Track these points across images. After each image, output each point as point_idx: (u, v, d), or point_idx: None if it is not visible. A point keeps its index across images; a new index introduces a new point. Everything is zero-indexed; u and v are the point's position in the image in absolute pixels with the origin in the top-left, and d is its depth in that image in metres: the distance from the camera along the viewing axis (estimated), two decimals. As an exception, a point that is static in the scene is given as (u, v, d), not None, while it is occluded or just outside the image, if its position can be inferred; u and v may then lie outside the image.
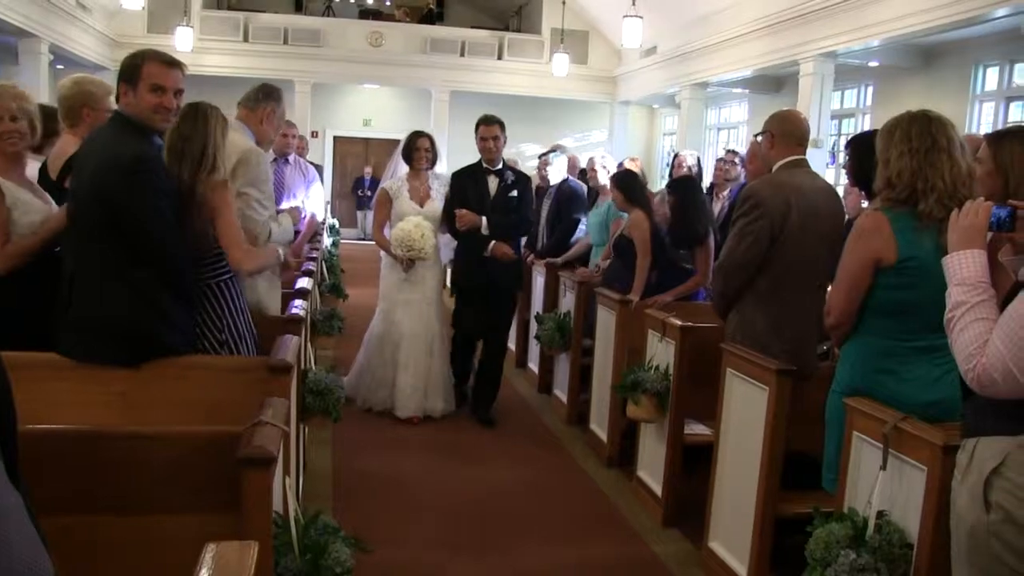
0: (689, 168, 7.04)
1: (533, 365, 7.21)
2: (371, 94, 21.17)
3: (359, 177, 21.12)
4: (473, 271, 5.95)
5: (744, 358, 3.63)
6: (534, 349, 7.08)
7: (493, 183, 5.90)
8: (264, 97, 4.24)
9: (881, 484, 2.66)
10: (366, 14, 20.87)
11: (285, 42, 18.37)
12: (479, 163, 5.97)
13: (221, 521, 2.15)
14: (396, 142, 23.29)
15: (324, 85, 19.32)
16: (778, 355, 3.58)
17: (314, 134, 18.98)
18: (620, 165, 7.14)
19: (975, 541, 2.10)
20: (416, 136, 6.02)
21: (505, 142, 5.95)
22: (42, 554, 1.03)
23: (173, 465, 2.25)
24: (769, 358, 3.52)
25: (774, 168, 3.94)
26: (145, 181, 3.02)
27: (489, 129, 5.87)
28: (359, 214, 21.06)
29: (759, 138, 4.09)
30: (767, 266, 3.75)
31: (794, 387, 3.44)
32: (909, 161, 2.88)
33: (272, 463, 2.06)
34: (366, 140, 21.46)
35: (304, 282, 4.85)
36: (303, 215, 5.59)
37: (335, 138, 21.31)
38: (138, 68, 3.09)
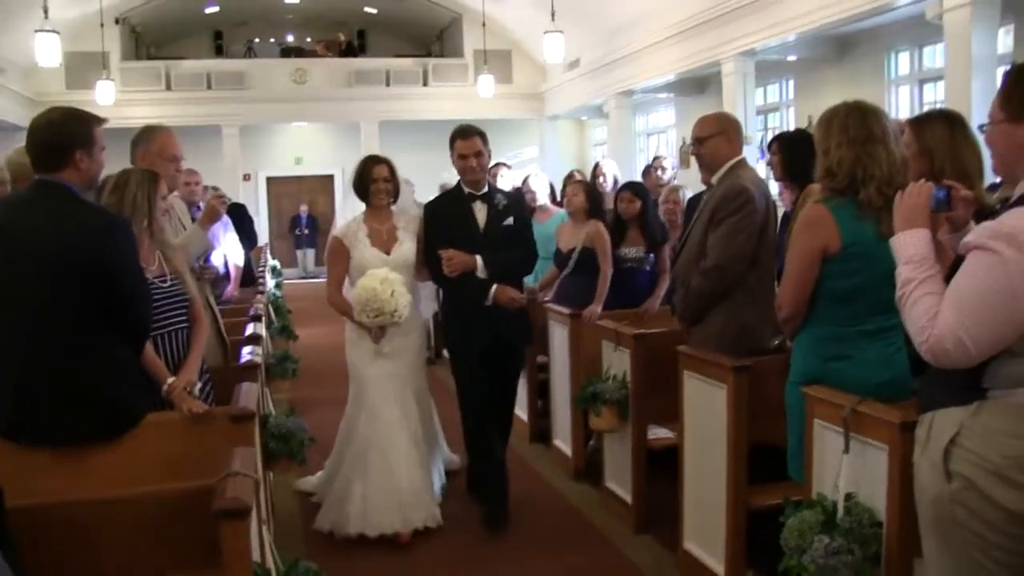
0: (615, 178, 7.15)
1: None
2: (300, 132, 21.14)
3: (295, 215, 21.03)
4: (474, 329, 4.60)
5: (700, 359, 3.69)
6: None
7: (481, 211, 4.61)
8: (134, 145, 4.14)
9: (846, 467, 2.72)
10: (288, 52, 20.84)
11: (209, 87, 18.27)
12: (458, 188, 4.70)
13: (202, 576, 2.14)
14: (329, 177, 23.29)
15: (252, 127, 19.23)
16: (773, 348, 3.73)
17: (246, 177, 18.89)
18: (569, 176, 7.27)
19: (939, 511, 2.17)
20: (370, 164, 4.69)
21: (490, 157, 4.73)
22: None
23: (149, 526, 2.23)
24: (728, 356, 3.58)
25: (728, 167, 3.92)
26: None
27: (469, 143, 4.56)
28: (298, 253, 20.99)
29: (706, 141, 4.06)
30: (755, 261, 3.83)
31: (753, 381, 3.51)
32: (848, 151, 2.97)
33: (248, 513, 2.05)
34: (299, 178, 21.39)
35: (254, 327, 4.82)
36: (215, 269, 4.86)
37: (268, 179, 21.21)
38: (91, 132, 3.04)
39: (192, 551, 2.25)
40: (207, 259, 4.54)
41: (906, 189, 2.38)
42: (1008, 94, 2.20)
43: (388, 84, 19.13)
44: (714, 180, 3.94)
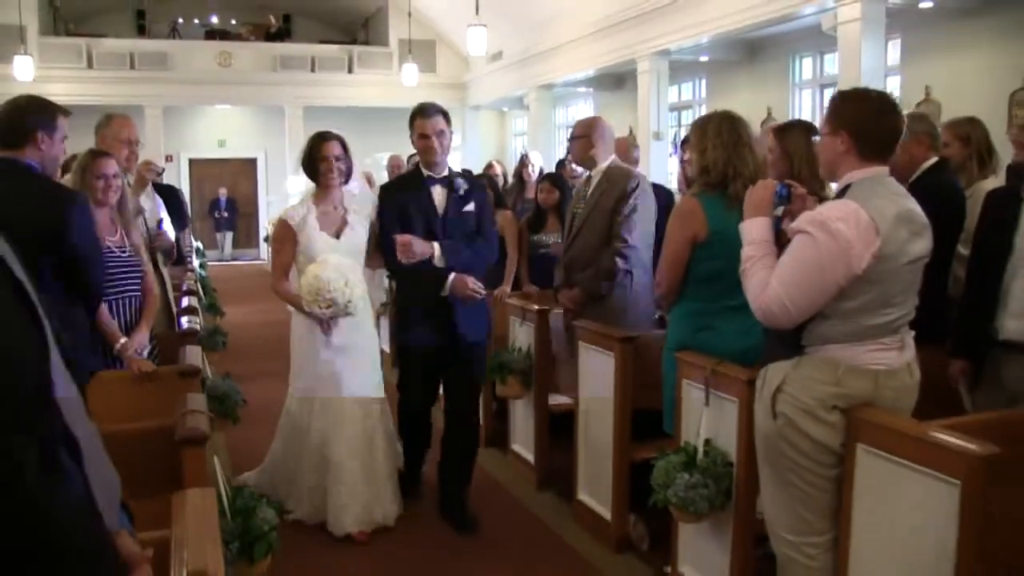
0: (541, 169, 7.64)
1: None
2: (224, 114, 21.14)
3: (215, 199, 21.05)
4: (428, 321, 4.29)
5: (592, 331, 4.20)
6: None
7: (440, 195, 4.28)
8: (96, 131, 4.51)
9: (706, 418, 3.27)
10: (212, 35, 20.80)
11: (132, 67, 18.19)
12: (416, 170, 4.44)
13: (163, 503, 2.53)
14: (253, 161, 23.13)
15: (175, 108, 19.21)
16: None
17: (168, 158, 18.85)
18: (489, 167, 7.74)
19: (768, 443, 2.73)
20: (320, 141, 4.30)
21: (451, 138, 4.35)
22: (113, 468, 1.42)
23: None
24: (613, 328, 4.11)
25: (609, 163, 4.66)
26: (83, 213, 3.35)
27: (430, 122, 4.21)
28: (217, 236, 20.98)
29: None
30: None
31: (638, 352, 4.03)
32: (721, 152, 3.49)
33: (206, 440, 2.48)
34: (222, 161, 21.41)
35: (189, 300, 5.19)
36: (167, 237, 5.04)
37: (191, 161, 21.17)
38: (55, 118, 3.39)
39: (153, 484, 2.62)
40: (159, 227, 4.86)
41: (755, 184, 2.92)
42: (829, 113, 2.76)
43: (313, 70, 19.32)
44: (594, 173, 4.64)
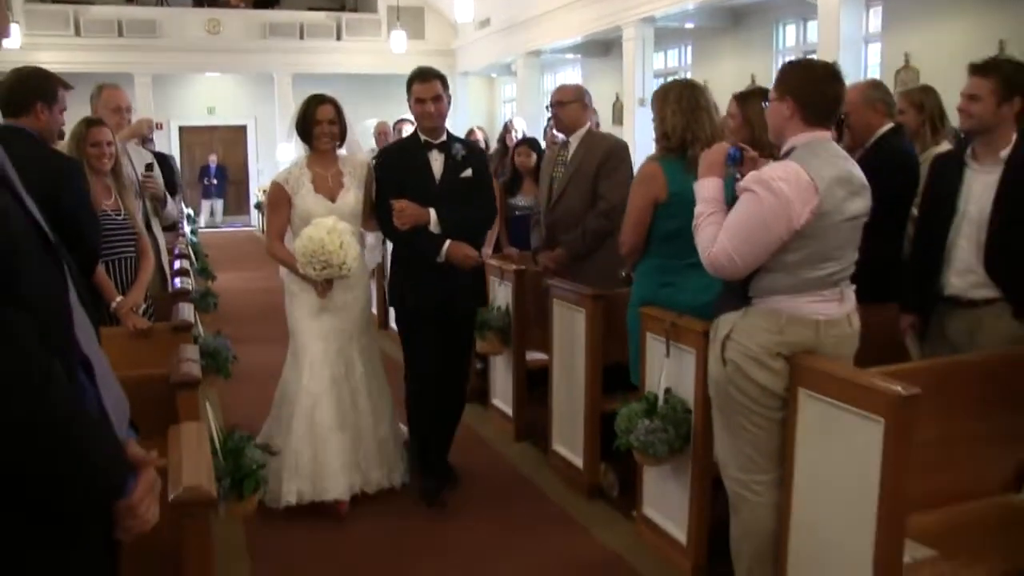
0: (524, 134, 7.82)
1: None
2: (213, 82, 21.21)
3: (204, 166, 21.15)
4: (424, 287, 4.27)
5: (565, 289, 4.42)
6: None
7: (437, 161, 4.26)
8: (91, 100, 4.69)
9: (666, 368, 3.49)
10: (200, 2, 20.79)
11: (120, 34, 18.24)
12: (414, 135, 4.39)
13: (160, 444, 2.75)
14: (242, 128, 23.03)
15: (164, 76, 19.26)
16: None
17: (158, 125, 18.89)
18: (470, 133, 7.91)
19: (719, 389, 2.96)
20: (315, 103, 4.28)
21: (450, 103, 4.35)
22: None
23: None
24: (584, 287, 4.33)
25: (587, 128, 4.90)
26: (79, 179, 3.54)
27: (427, 87, 4.21)
28: (205, 203, 21.10)
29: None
30: None
31: (609, 308, 4.24)
32: (680, 118, 3.69)
33: (198, 384, 2.69)
34: (212, 128, 21.51)
35: (181, 263, 5.39)
36: (157, 181, 5.01)
37: (180, 128, 21.25)
38: (55, 89, 3.56)
39: (149, 427, 2.82)
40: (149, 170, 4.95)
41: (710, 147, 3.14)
42: (777, 81, 2.97)
43: (302, 37, 19.40)
44: (572, 138, 4.81)
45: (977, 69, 3.32)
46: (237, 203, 21.78)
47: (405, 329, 4.54)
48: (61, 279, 1.47)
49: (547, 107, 5.17)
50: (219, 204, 21.27)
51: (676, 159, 3.67)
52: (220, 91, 21.37)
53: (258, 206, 19.13)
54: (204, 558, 1.91)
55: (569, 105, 4.85)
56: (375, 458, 4.34)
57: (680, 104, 3.70)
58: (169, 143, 20.10)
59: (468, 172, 4.30)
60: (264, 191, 18.69)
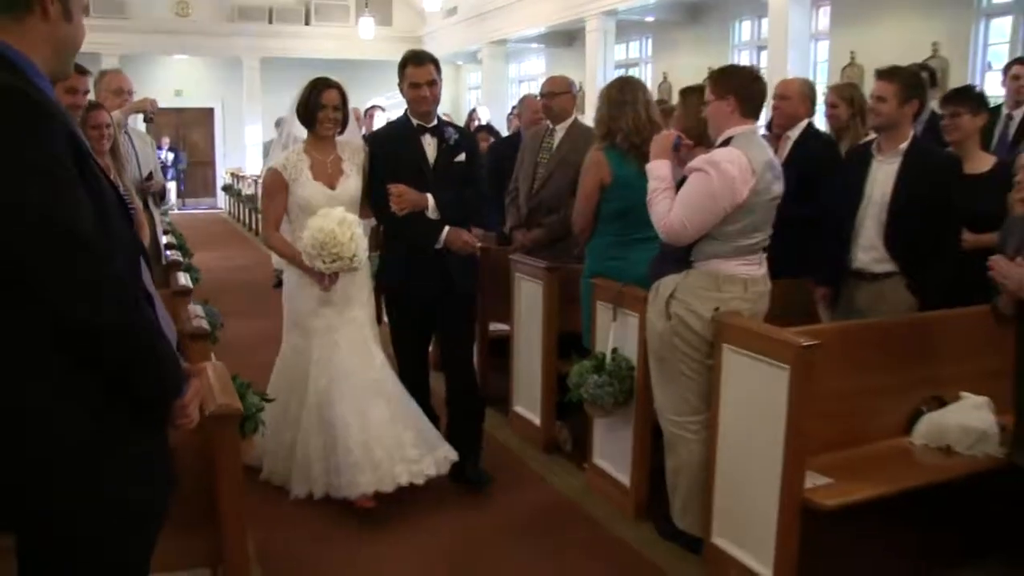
0: (490, 121, 8.30)
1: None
2: (181, 64, 21.34)
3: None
4: (420, 274, 4.18)
5: (523, 263, 4.90)
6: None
7: (431, 145, 4.19)
8: (94, 86, 5.06)
9: (613, 331, 3.99)
10: (169, -17, 20.89)
11: (87, 14, 18.27)
12: (406, 119, 4.27)
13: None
14: (210, 111, 22.82)
15: (132, 57, 19.36)
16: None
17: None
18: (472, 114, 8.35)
19: (662, 341, 3.50)
20: (320, 87, 4.10)
21: (441, 88, 4.26)
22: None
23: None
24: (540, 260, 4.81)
25: (573, 119, 5.31)
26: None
27: (422, 70, 4.13)
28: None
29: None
30: None
31: (565, 281, 4.70)
32: (606, 112, 4.21)
33: (208, 336, 3.13)
34: (179, 110, 21.63)
35: (167, 238, 5.79)
36: (160, 180, 5.37)
37: (147, 109, 21.29)
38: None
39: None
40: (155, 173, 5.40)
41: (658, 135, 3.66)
42: (714, 84, 3.48)
43: (271, 22, 19.66)
44: (559, 128, 5.21)
45: (882, 75, 3.85)
46: (204, 185, 21.95)
47: (396, 318, 4.45)
48: (131, 227, 1.90)
49: (538, 96, 5.53)
50: (172, 187, 21.25)
51: (614, 147, 4.15)
52: (188, 74, 21.47)
53: (226, 188, 19.34)
54: (233, 462, 2.38)
55: (560, 96, 5.23)
56: (410, 443, 4.04)
57: (610, 98, 4.21)
58: (136, 125, 20.19)
59: (462, 156, 4.24)
60: (232, 173, 18.96)
